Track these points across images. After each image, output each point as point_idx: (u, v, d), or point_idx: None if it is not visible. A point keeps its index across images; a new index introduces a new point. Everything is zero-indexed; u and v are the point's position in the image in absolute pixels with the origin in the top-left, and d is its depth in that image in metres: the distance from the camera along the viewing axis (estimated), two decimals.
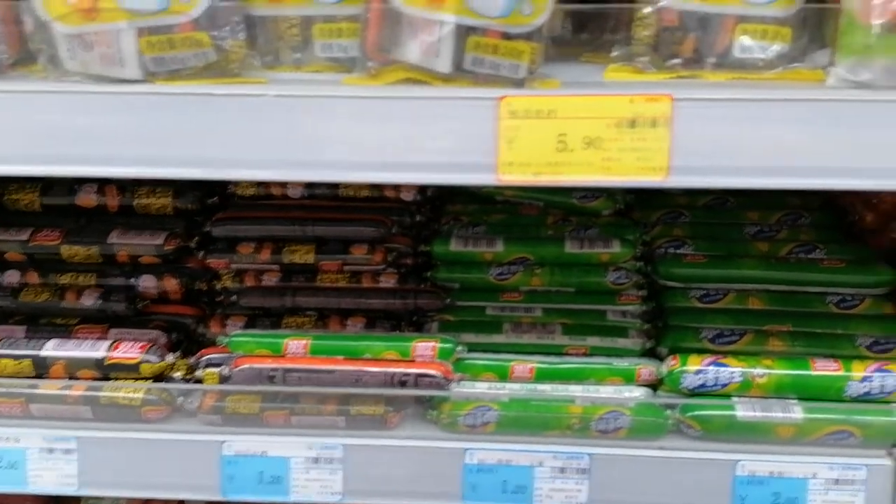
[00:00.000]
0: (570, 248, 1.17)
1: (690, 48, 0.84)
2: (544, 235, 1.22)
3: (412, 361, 0.98)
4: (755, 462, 1.01)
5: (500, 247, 1.17)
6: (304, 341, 1.01)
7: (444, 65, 0.80)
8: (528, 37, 0.80)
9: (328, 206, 1.18)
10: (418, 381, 0.97)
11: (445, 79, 0.82)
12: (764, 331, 1.10)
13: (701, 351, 1.08)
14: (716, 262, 1.20)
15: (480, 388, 1.07)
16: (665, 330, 1.13)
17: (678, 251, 1.24)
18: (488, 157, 0.80)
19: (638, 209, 1.36)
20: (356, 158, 0.80)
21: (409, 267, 1.18)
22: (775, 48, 0.83)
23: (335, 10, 0.86)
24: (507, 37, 0.80)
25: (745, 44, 0.82)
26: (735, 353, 1.06)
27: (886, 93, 0.79)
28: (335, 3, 0.85)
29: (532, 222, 1.26)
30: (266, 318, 1.09)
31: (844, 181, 0.77)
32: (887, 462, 1.00)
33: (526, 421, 1.02)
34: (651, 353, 1.12)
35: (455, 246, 1.18)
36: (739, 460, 1.01)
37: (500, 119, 0.80)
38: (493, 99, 0.79)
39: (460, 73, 0.81)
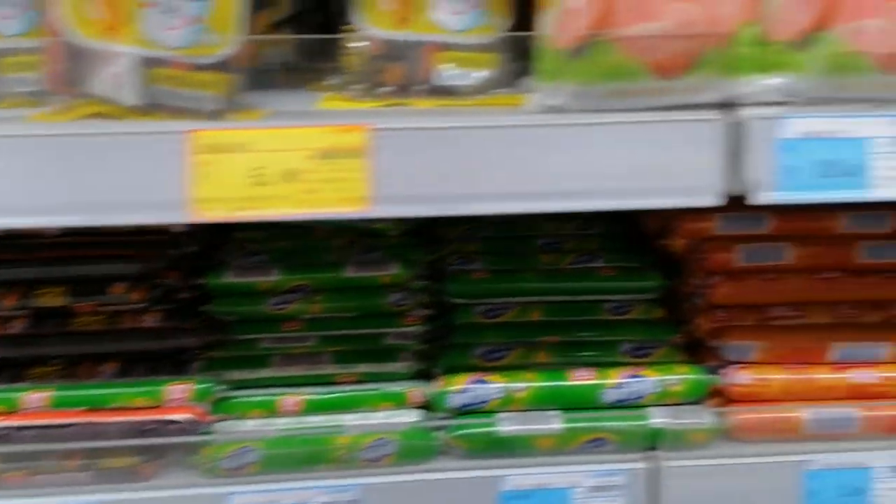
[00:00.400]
0: (349, 272, 1.15)
1: (398, 76, 0.85)
2: (324, 261, 1.19)
3: (160, 408, 0.96)
4: (520, 476, 1.03)
5: (276, 275, 1.14)
6: (44, 394, 0.96)
7: (130, 97, 0.77)
8: (217, 67, 0.78)
9: (87, 242, 1.11)
10: (166, 427, 0.95)
11: (139, 112, 0.79)
12: (534, 343, 1.11)
13: (473, 368, 1.08)
14: (500, 276, 1.21)
15: (249, 426, 1.05)
16: (442, 349, 1.13)
17: (468, 267, 1.27)
18: (180, 194, 0.77)
19: (443, 224, 1.39)
20: (35, 202, 0.78)
21: (182, 302, 1.16)
22: (479, 74, 0.85)
23: (21, 42, 0.83)
24: (195, 68, 0.79)
25: (448, 71, 0.83)
26: (503, 369, 1.07)
27: (575, 116, 0.80)
28: (20, 36, 0.82)
29: (319, 246, 1.24)
30: (10, 370, 1.03)
31: (528, 205, 0.79)
32: (642, 465, 1.04)
33: (291, 458, 1.00)
34: (428, 375, 1.11)
35: (230, 277, 1.15)
36: (505, 475, 1.03)
37: (192, 154, 0.78)
38: (181, 133, 0.77)
39: (154, 106, 0.80)
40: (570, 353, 1.09)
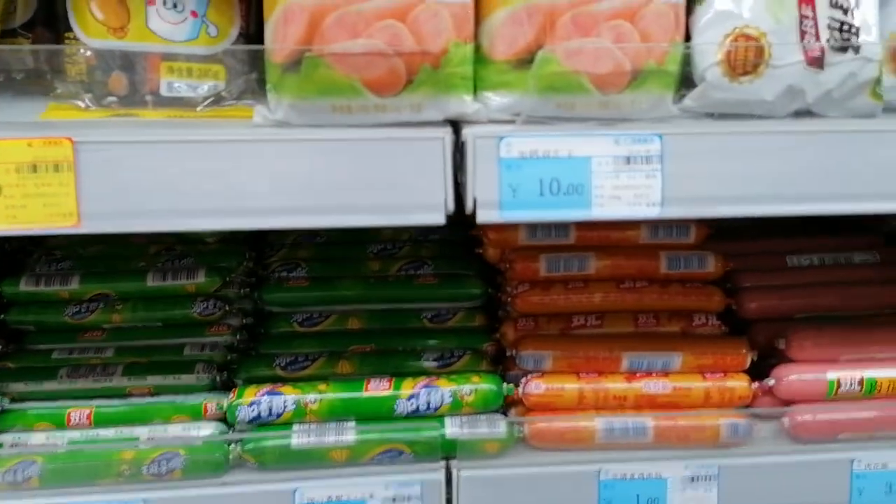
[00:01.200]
0: (153, 281, 1.12)
1: (123, 86, 0.82)
2: (130, 269, 1.16)
3: None
4: (314, 489, 1.02)
5: (76, 284, 1.11)
6: None
7: None
8: None
9: None
10: None
11: None
12: (341, 353, 1.10)
13: (274, 379, 1.07)
14: (317, 284, 1.20)
15: (36, 439, 1.02)
16: (245, 360, 1.11)
17: (290, 274, 1.26)
18: None
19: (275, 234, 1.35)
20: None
21: None
22: (206, 86, 0.82)
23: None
24: None
25: (174, 82, 0.81)
26: (302, 380, 1.06)
27: (289, 131, 0.78)
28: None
29: (130, 254, 1.20)
30: None
31: (231, 221, 0.75)
32: (438, 476, 1.03)
33: (73, 472, 0.96)
34: (230, 385, 1.09)
35: (26, 285, 1.11)
36: (297, 488, 1.01)
37: None
38: None
39: None
40: (377, 363, 1.09)
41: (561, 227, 1.13)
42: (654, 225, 1.15)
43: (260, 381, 1.07)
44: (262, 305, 1.20)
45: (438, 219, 0.76)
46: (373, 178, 0.74)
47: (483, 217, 0.76)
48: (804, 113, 0.89)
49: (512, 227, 1.13)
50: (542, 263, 1.13)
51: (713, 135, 0.78)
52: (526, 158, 0.75)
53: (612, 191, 0.75)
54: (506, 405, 1.09)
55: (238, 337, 1.15)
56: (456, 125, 0.83)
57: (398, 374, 1.06)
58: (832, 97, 0.81)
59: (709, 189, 0.77)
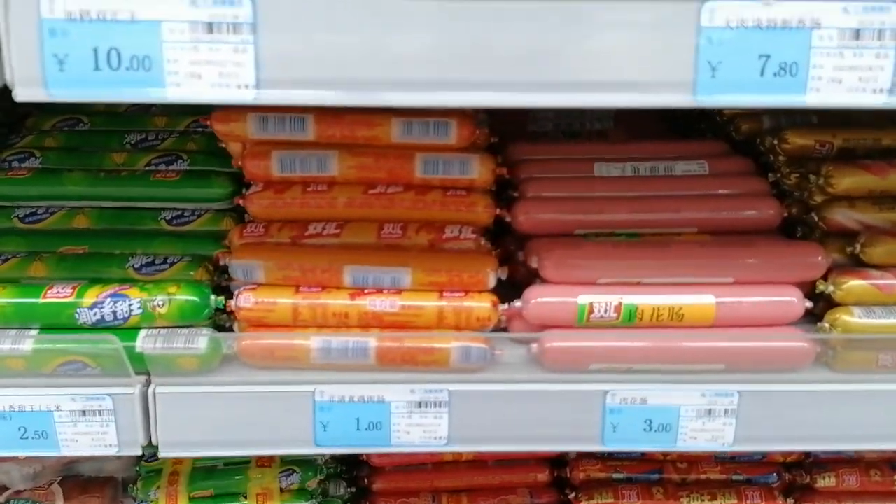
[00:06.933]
0: None
1: None
2: None
3: None
4: None
5: None
6: None
7: None
8: None
9: None
10: None
11: None
12: (36, 254, 0.98)
13: None
14: (39, 177, 1.07)
15: None
16: None
17: (20, 164, 1.12)
18: None
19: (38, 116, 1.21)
20: None
21: None
22: None
23: None
24: None
25: None
26: None
27: None
28: None
29: None
30: None
31: None
32: (131, 391, 0.93)
33: None
34: None
35: None
36: None
37: None
38: None
39: None
40: (75, 267, 0.98)
41: (296, 120, 0.99)
42: (408, 122, 1.01)
43: None
44: None
45: None
46: None
47: (22, 95, 0.61)
48: None
49: (238, 116, 0.97)
50: (273, 161, 0.99)
51: None
52: (75, 21, 0.61)
53: (191, 67, 0.61)
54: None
55: None
56: None
57: (97, 280, 0.97)
58: None
59: (317, 69, 0.62)
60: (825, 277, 1.00)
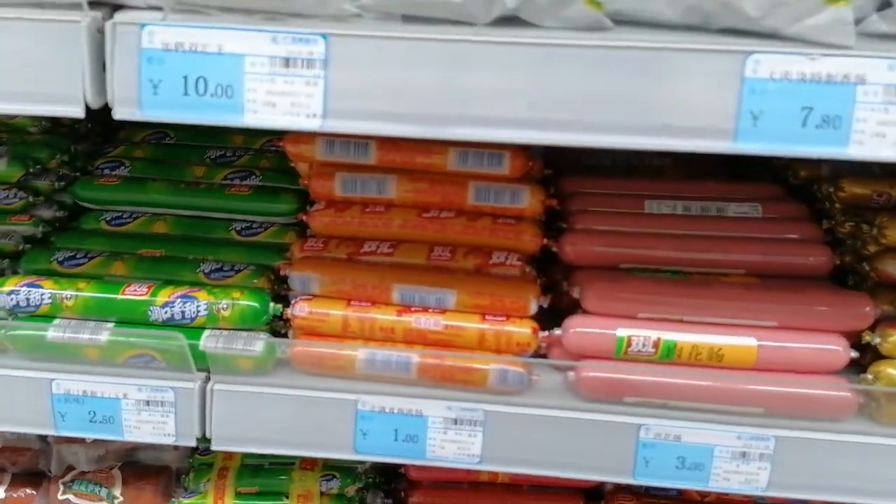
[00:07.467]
0: None
1: None
2: None
3: None
4: (70, 382, 1.01)
5: None
6: None
7: None
8: None
9: None
10: None
11: None
12: (118, 254, 1.07)
13: (50, 273, 1.06)
14: (127, 185, 1.18)
15: None
16: (31, 251, 1.10)
17: (111, 172, 1.22)
18: None
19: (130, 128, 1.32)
20: None
21: None
22: None
23: None
24: None
25: None
26: (76, 276, 1.04)
27: None
28: None
29: None
30: None
31: None
32: (191, 385, 1.01)
33: None
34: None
35: None
36: (54, 379, 1.01)
37: None
38: None
39: None
40: (151, 268, 1.06)
41: (360, 145, 1.05)
42: (464, 152, 1.05)
43: (38, 273, 1.06)
44: (76, 200, 1.20)
45: (77, 112, 0.70)
46: (8, 64, 0.69)
47: (120, 114, 0.70)
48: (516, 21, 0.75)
49: (308, 139, 1.05)
50: (336, 182, 1.06)
51: (387, 39, 0.68)
52: (170, 51, 0.68)
53: (267, 97, 0.67)
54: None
55: (40, 228, 1.16)
56: (102, 7, 0.74)
57: (170, 282, 1.04)
58: (538, 1, 0.68)
59: (376, 103, 0.67)
60: (873, 328, 1.00)
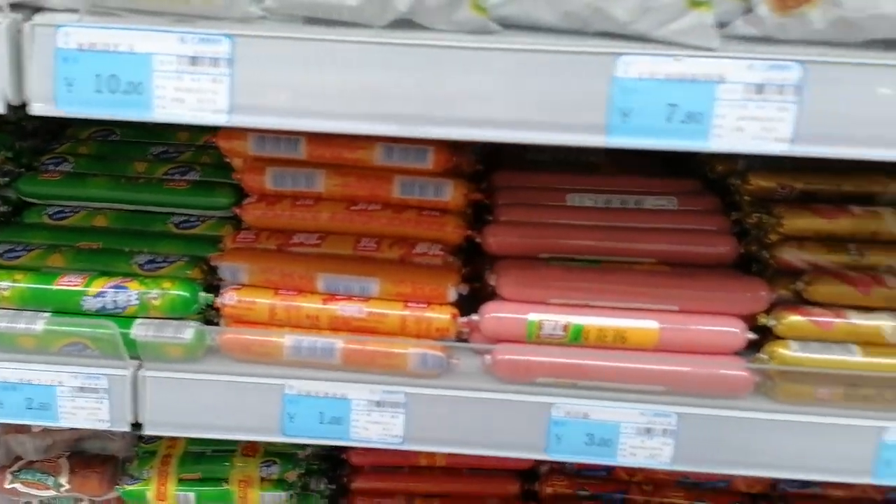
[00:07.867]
0: None
1: None
2: None
3: None
4: (5, 370, 1.04)
5: None
6: None
7: None
8: None
9: None
10: None
11: None
12: (56, 247, 1.11)
13: None
14: (69, 180, 1.21)
15: None
16: None
17: (55, 168, 1.26)
18: None
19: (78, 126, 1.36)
20: None
21: None
22: None
23: None
24: None
25: None
26: (14, 268, 1.08)
27: None
28: None
29: None
30: None
31: None
32: (124, 373, 1.05)
33: None
34: None
35: None
36: None
37: None
38: None
39: None
40: (88, 260, 1.10)
41: (290, 141, 1.10)
42: (389, 147, 1.10)
43: None
44: (19, 196, 1.24)
45: None
46: None
47: (36, 110, 0.74)
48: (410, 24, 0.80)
49: (240, 136, 1.09)
50: (268, 176, 1.10)
51: (289, 40, 0.73)
52: (84, 51, 0.73)
53: (175, 93, 0.71)
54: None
55: None
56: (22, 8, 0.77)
57: (105, 273, 1.08)
58: (429, 6, 0.74)
59: (279, 100, 0.73)
60: (769, 312, 1.07)
